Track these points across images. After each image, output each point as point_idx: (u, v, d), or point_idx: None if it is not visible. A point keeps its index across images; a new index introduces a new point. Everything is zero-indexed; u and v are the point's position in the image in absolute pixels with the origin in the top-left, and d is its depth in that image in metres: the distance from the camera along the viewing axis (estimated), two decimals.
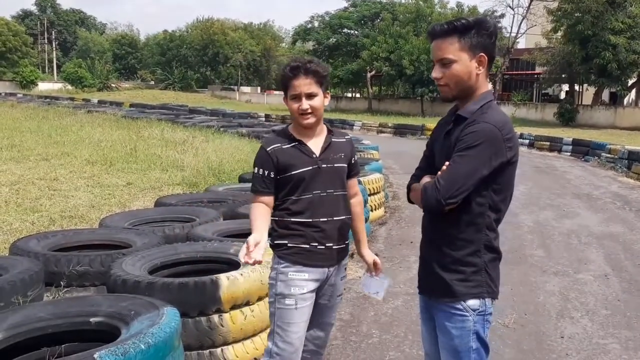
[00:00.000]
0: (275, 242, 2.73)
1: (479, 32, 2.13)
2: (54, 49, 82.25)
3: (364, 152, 11.92)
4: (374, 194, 8.05)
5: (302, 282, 2.67)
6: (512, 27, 41.22)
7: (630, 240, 7.37)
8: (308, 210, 2.67)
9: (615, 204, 9.94)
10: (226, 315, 3.52)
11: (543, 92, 44.09)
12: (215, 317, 3.42)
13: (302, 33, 51.18)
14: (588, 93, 36.79)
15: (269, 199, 2.70)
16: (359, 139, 15.97)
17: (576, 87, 36.83)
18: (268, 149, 2.68)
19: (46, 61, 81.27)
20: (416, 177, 2.37)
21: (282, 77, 2.69)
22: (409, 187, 2.40)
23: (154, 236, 4.51)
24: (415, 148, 18.17)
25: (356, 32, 48.31)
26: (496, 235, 2.25)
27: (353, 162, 2.85)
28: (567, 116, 31.84)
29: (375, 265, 2.89)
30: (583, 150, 17.79)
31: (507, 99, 40.00)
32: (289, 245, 2.68)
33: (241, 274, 3.56)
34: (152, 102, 41.24)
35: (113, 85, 62.09)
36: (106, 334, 2.90)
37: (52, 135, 16.28)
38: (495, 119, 2.13)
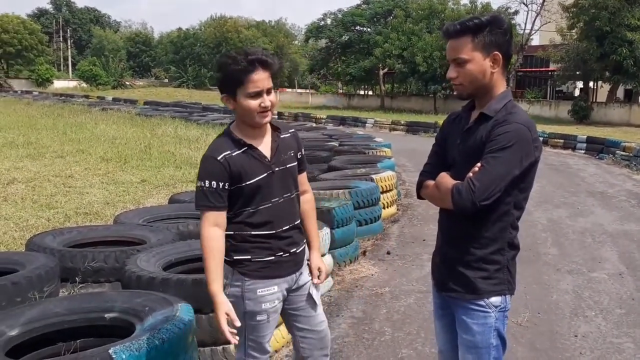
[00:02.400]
0: (235, 258, 2.47)
1: (492, 30, 2.13)
2: (69, 47, 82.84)
3: (377, 149, 11.92)
4: (387, 191, 8.04)
5: (273, 295, 2.50)
6: (525, 24, 41.02)
7: None
8: (269, 221, 2.46)
9: (630, 202, 9.85)
10: None
11: (557, 89, 43.73)
12: None
13: (315, 31, 51.09)
14: (602, 90, 36.41)
15: (224, 216, 2.41)
16: (372, 137, 15.98)
17: (590, 84, 36.48)
18: (219, 158, 2.37)
19: (61, 59, 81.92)
20: (427, 174, 2.36)
21: (235, 72, 2.33)
22: (420, 184, 2.38)
23: (168, 233, 4.55)
24: (427, 145, 17.87)
25: (369, 29, 48.12)
26: (517, 232, 2.27)
27: (301, 157, 2.62)
28: (582, 113, 31.54)
29: (319, 274, 2.70)
30: (597, 148, 17.62)
31: (521, 96, 39.69)
32: (252, 260, 2.47)
33: None
34: (165, 99, 41.45)
35: (127, 83, 62.50)
36: (121, 330, 2.93)
37: (67, 132, 16.44)
38: (524, 118, 2.14)
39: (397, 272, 5.80)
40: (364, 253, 6.39)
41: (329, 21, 50.23)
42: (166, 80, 68.07)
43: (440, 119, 29.21)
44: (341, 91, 56.83)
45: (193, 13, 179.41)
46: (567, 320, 4.61)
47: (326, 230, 5.01)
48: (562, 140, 19.62)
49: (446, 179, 2.19)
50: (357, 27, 49.04)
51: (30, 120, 20.03)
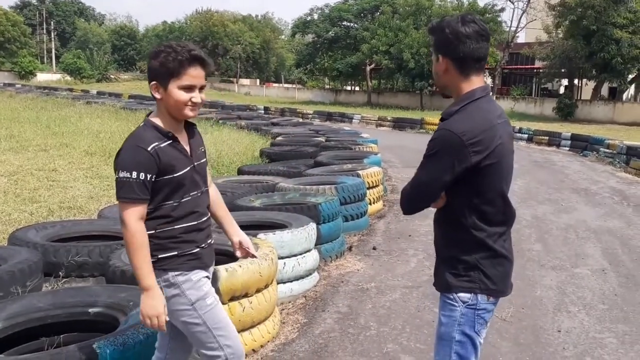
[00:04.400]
0: (160, 257, 2.37)
1: (437, 36, 2.23)
2: (53, 39, 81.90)
3: (363, 145, 11.93)
4: (373, 187, 8.05)
5: (205, 279, 2.48)
6: (512, 21, 41.28)
7: (628, 235, 7.38)
8: (192, 213, 2.43)
9: (614, 199, 9.95)
10: (225, 307, 3.52)
11: (542, 86, 44.06)
12: None
13: (302, 26, 51.00)
14: (587, 88, 36.76)
15: (145, 210, 2.34)
16: (358, 132, 16.00)
17: (575, 82, 36.80)
18: (149, 148, 2.29)
19: (45, 52, 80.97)
20: None
21: (174, 62, 2.30)
22: None
23: None
24: (414, 142, 18.23)
25: (356, 25, 48.17)
26: (491, 234, 2.23)
27: (204, 151, 2.61)
28: (566, 111, 31.83)
29: (241, 247, 2.68)
30: (581, 145, 17.79)
31: (507, 93, 39.95)
32: (179, 255, 2.40)
33: (240, 266, 3.57)
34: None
35: (112, 76, 62.00)
36: (105, 325, 2.92)
37: (50, 126, 16.24)
38: (458, 125, 2.13)
39: (382, 267, 5.81)
40: (350, 248, 6.40)
41: (315, 16, 50.19)
42: None
43: (427, 115, 29.48)
44: (328, 87, 56.85)
45: (179, 6, 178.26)
46: (550, 315, 4.65)
47: (312, 226, 5.00)
48: (546, 137, 19.79)
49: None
50: (344, 23, 49.10)
51: (13, 113, 19.76)
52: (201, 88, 2.39)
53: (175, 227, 2.40)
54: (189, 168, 2.41)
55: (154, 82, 2.36)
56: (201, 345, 2.46)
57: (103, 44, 72.59)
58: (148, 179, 2.29)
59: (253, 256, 2.74)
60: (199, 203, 2.48)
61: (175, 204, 2.39)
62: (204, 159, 2.56)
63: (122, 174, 2.28)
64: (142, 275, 2.29)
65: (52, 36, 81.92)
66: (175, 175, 2.35)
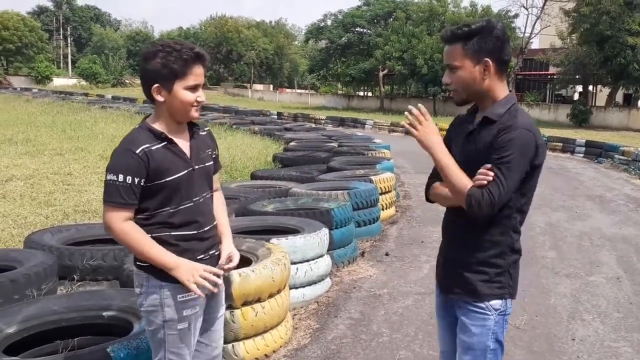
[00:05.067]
0: None
1: (482, 37, 2.15)
2: (69, 44, 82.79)
3: (376, 151, 11.92)
4: (385, 192, 8.04)
5: (194, 301, 2.32)
6: (525, 27, 41.08)
7: None
8: (192, 221, 2.32)
9: (628, 206, 9.86)
10: (237, 312, 3.54)
11: (556, 92, 43.76)
12: (226, 313, 3.44)
13: (315, 31, 51.14)
14: (602, 94, 36.46)
15: (132, 215, 2.24)
16: (371, 138, 15.99)
17: (590, 88, 36.53)
18: (137, 151, 2.19)
19: (61, 57, 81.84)
20: (435, 177, 2.37)
21: (179, 62, 2.21)
22: (428, 187, 2.40)
23: None
24: None
25: (369, 30, 48.19)
26: (519, 237, 2.27)
27: (215, 156, 2.52)
28: (581, 117, 31.58)
29: (230, 261, 2.49)
30: (596, 151, 17.63)
31: (520, 100, 39.72)
32: None
33: (253, 271, 3.58)
34: None
35: (127, 81, 62.46)
36: (119, 328, 2.94)
37: (66, 130, 16.42)
38: (529, 124, 2.15)
39: (395, 273, 5.80)
40: (362, 254, 6.39)
41: (329, 22, 50.31)
42: None
43: (440, 121, 29.31)
44: (341, 92, 56.87)
45: (194, 12, 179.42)
46: (564, 323, 4.61)
47: (325, 231, 5.01)
48: (560, 144, 19.64)
49: (457, 170, 2.16)
50: (357, 29, 49.15)
51: (30, 117, 20.00)
52: (203, 85, 2.32)
53: (173, 233, 2.28)
54: (186, 171, 2.29)
55: (156, 85, 2.23)
56: (154, 353, 2.38)
57: (118, 49, 73.19)
58: (136, 182, 2.18)
59: (225, 269, 2.47)
60: (202, 210, 2.37)
61: (172, 211, 2.28)
62: (210, 162, 2.44)
63: (109, 177, 2.19)
64: (161, 260, 2.22)
65: (69, 41, 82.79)
66: (168, 179, 2.24)
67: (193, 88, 2.26)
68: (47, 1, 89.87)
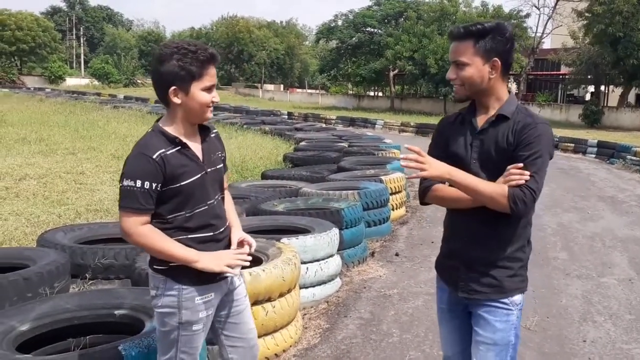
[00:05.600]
0: (171, 265, 2.28)
1: (494, 37, 2.18)
2: (82, 44, 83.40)
3: (386, 151, 11.91)
4: (396, 193, 8.03)
5: (210, 302, 2.37)
6: (537, 27, 40.78)
7: None
8: (207, 224, 2.34)
9: None
10: None
11: (568, 92, 43.47)
12: None
13: (326, 32, 51.15)
14: (614, 95, 36.17)
15: (149, 220, 2.24)
16: (381, 138, 15.97)
17: (602, 88, 36.25)
18: (154, 156, 2.19)
19: (74, 57, 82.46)
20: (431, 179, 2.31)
21: (195, 64, 2.20)
22: (427, 189, 2.35)
23: None
24: None
25: (379, 30, 48.12)
26: (531, 227, 2.34)
27: (224, 158, 2.51)
28: (592, 118, 31.34)
29: (242, 245, 2.48)
30: (608, 152, 17.50)
31: (532, 100, 39.52)
32: (189, 266, 2.29)
33: (263, 270, 3.59)
34: None
35: (139, 81, 62.81)
36: (130, 327, 2.95)
37: (79, 129, 16.54)
38: (543, 118, 2.23)
39: (405, 273, 5.79)
40: (372, 254, 6.39)
41: (339, 22, 50.29)
42: None
43: None
44: (351, 92, 56.82)
45: (206, 13, 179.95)
46: (576, 325, 4.58)
47: (335, 231, 5.01)
48: (572, 144, 19.52)
49: (483, 182, 2.16)
50: (368, 29, 49.09)
51: (43, 117, 20.16)
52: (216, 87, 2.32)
53: (190, 236, 2.30)
54: (199, 175, 2.30)
55: (173, 87, 2.21)
56: (161, 352, 2.41)
57: (130, 49, 73.62)
58: (153, 188, 2.19)
59: (246, 245, 2.49)
60: (216, 212, 2.39)
61: (187, 215, 2.29)
62: (220, 165, 2.45)
63: (125, 183, 2.19)
64: (184, 256, 2.25)
65: (82, 42, 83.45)
66: (183, 183, 2.25)
67: (209, 89, 2.27)
68: (60, 1, 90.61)
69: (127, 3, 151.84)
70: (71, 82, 63.00)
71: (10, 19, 61.88)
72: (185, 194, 2.26)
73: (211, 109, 2.32)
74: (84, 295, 3.31)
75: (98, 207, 7.48)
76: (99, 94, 43.49)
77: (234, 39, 61.28)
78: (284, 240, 4.43)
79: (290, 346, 3.96)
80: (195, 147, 2.34)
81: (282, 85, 65.00)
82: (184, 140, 2.29)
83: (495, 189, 2.12)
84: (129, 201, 2.19)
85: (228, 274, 2.35)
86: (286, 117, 31.80)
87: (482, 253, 2.27)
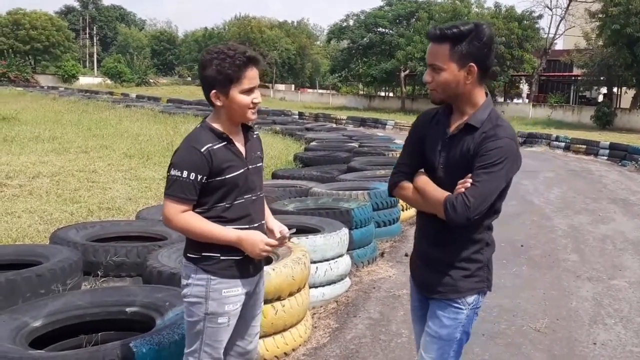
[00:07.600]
0: (203, 254, 2.38)
1: (471, 42, 2.13)
2: (95, 44, 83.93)
3: (397, 151, 11.90)
4: None
5: (236, 297, 2.43)
6: (549, 28, 40.55)
7: None
8: (244, 216, 2.42)
9: None
10: None
11: (580, 94, 43.16)
12: None
13: (337, 32, 51.10)
14: (627, 96, 35.82)
15: (189, 209, 2.35)
16: (392, 138, 15.96)
17: (615, 90, 35.95)
18: (202, 150, 2.31)
19: (87, 56, 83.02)
20: (402, 174, 2.36)
21: (233, 67, 2.29)
22: (395, 184, 2.38)
23: None
24: None
25: (391, 31, 48.02)
26: (492, 231, 2.36)
27: (262, 158, 2.60)
28: (605, 119, 31.04)
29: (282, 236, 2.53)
30: (620, 154, 17.37)
31: (544, 101, 39.29)
32: (222, 257, 2.38)
33: (273, 269, 3.61)
34: (188, 98, 41.70)
35: (151, 80, 63.06)
36: (141, 324, 2.98)
37: (91, 128, 16.68)
38: (510, 132, 2.18)
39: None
40: (382, 254, 6.39)
41: (351, 22, 50.21)
42: (189, 79, 68.56)
43: None
44: (362, 92, 56.77)
45: (218, 12, 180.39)
46: (586, 327, 4.56)
47: (345, 231, 5.02)
48: (584, 146, 19.40)
49: (432, 187, 2.22)
50: (379, 29, 48.96)
51: (56, 115, 20.33)
52: (257, 87, 2.39)
53: (227, 226, 2.37)
54: (242, 170, 2.40)
55: (214, 91, 2.33)
56: (187, 344, 2.48)
57: (143, 48, 74.04)
58: (198, 179, 2.30)
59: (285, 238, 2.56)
60: (255, 207, 2.46)
61: (227, 206, 2.38)
62: (260, 164, 2.54)
63: (173, 172, 2.32)
64: (225, 237, 2.34)
65: (95, 41, 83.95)
66: (227, 176, 2.35)
67: (248, 91, 2.34)
68: (74, 1, 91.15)
69: (140, 3, 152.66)
70: (84, 81, 63.38)
71: (24, 18, 62.50)
72: (228, 187, 2.37)
73: (253, 110, 2.39)
74: (95, 292, 3.35)
75: (110, 205, 7.54)
76: (111, 93, 43.76)
77: (246, 38, 61.30)
78: (294, 239, 4.45)
79: (300, 345, 3.97)
80: (239, 144, 2.45)
81: (293, 85, 65.00)
82: (230, 135, 2.40)
83: (437, 195, 2.17)
84: (173, 190, 2.31)
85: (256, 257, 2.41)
86: (297, 117, 31.83)
87: (441, 254, 2.32)
